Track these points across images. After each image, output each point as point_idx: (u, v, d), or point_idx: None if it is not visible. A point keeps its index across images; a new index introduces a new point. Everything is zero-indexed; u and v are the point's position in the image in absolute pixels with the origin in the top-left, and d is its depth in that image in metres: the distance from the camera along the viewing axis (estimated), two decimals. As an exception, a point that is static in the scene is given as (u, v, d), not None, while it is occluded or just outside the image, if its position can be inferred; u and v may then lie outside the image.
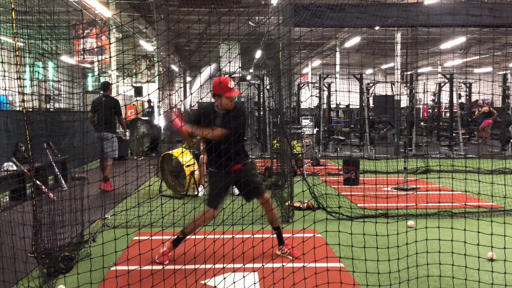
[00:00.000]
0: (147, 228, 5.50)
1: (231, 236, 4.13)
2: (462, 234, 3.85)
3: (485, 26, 8.22)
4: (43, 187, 6.55)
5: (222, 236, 4.24)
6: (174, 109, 4.22)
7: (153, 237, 4.31)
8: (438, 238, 3.88)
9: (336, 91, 15.93)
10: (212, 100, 4.63)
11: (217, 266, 4.05)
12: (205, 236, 4.29)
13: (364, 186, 7.73)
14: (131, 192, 7.96)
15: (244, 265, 4.00)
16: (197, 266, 3.92)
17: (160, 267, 4.21)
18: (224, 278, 3.82)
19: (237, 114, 4.52)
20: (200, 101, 5.61)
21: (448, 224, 3.95)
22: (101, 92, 8.77)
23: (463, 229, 3.85)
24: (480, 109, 18.53)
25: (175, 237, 4.55)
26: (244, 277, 3.77)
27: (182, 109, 4.56)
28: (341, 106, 19.98)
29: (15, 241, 3.84)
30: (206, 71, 4.66)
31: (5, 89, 4.20)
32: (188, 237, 4.52)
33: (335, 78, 19.15)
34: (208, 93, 4.58)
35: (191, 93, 4.57)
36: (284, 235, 4.71)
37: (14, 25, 4.03)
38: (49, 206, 4.51)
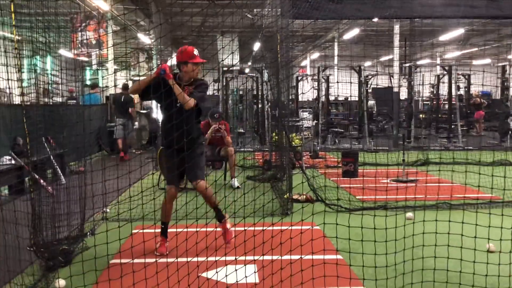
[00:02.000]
0: (146, 221, 5.50)
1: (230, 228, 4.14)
2: (460, 226, 3.86)
3: (485, 17, 8.18)
4: (41, 181, 6.54)
5: (218, 229, 4.25)
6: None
7: (149, 230, 4.32)
8: (435, 231, 3.88)
9: (334, 83, 15.88)
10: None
11: (216, 258, 4.05)
12: (206, 228, 4.29)
13: (363, 178, 7.73)
14: (130, 185, 7.93)
15: (241, 256, 4.01)
16: (193, 259, 3.93)
17: (160, 260, 4.21)
18: (227, 272, 3.82)
19: (203, 85, 4.62)
20: None
21: (446, 216, 3.95)
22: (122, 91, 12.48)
23: (461, 221, 3.86)
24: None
25: (161, 228, 4.73)
26: (236, 270, 3.78)
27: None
28: (340, 99, 19.93)
29: (13, 235, 3.83)
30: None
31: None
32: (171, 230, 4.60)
33: (334, 70, 19.10)
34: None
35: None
36: (282, 228, 4.70)
37: (13, 16, 4.00)
38: (47, 199, 4.51)
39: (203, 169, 4.83)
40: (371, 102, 18.45)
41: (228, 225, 4.91)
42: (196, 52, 4.54)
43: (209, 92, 4.62)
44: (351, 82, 12.79)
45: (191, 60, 4.51)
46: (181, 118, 4.37)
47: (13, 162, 7.30)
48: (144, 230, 4.70)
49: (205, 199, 4.72)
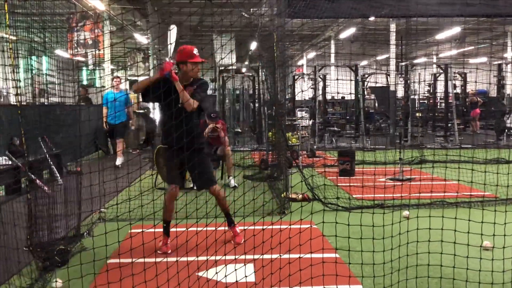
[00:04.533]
0: (144, 221, 5.48)
1: (227, 228, 4.13)
2: (456, 224, 3.87)
3: (480, 15, 8.19)
4: (38, 181, 6.51)
5: (215, 228, 4.24)
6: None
7: (147, 230, 4.30)
8: (434, 228, 3.89)
9: (330, 81, 15.90)
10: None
11: (213, 258, 4.05)
12: (206, 228, 4.28)
13: (362, 176, 7.72)
14: (127, 185, 7.94)
15: (241, 256, 4.00)
16: (192, 258, 3.92)
17: (157, 259, 4.19)
18: (226, 271, 3.82)
19: (204, 85, 4.57)
20: None
21: (441, 213, 3.96)
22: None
23: (456, 218, 3.87)
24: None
25: (163, 227, 4.69)
26: (236, 270, 3.78)
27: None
28: (336, 98, 19.93)
29: (10, 235, 3.82)
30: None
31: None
32: (172, 229, 4.57)
33: (330, 69, 19.11)
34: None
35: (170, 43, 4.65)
36: (281, 227, 4.71)
37: (7, 17, 3.98)
38: (44, 200, 4.49)
39: (212, 171, 4.87)
40: (371, 101, 18.46)
41: (238, 229, 4.93)
42: (195, 51, 4.46)
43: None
44: (350, 80, 12.80)
45: (191, 59, 4.44)
46: (182, 118, 4.32)
47: (9, 162, 7.27)
48: (144, 230, 4.68)
49: (219, 202, 4.76)
